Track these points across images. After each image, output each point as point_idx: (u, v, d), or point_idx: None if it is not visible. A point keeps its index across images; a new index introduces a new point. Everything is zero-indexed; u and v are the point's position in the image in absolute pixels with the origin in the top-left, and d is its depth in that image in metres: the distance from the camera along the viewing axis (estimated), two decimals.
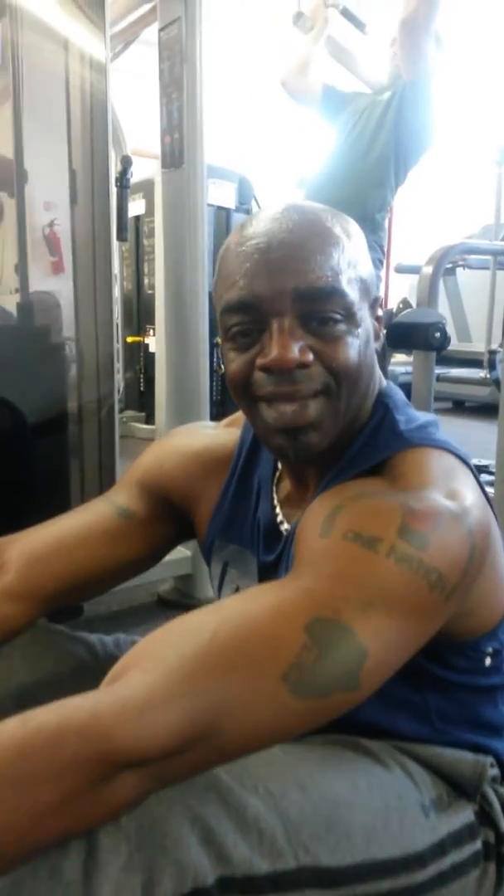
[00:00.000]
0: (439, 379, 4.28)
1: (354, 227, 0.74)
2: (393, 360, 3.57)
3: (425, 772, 0.74)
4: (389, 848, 0.67)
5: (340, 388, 0.69)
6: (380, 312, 0.77)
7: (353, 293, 0.69)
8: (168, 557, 1.78)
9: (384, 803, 0.69)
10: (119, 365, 4.30)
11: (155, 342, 3.73)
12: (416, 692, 0.74)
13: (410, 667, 0.61)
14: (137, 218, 3.97)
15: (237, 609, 0.59)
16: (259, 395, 0.70)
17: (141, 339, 4.15)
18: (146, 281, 4.05)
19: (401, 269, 4.39)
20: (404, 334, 2.11)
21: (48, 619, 1.04)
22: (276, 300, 0.67)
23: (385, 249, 2.67)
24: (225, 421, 0.95)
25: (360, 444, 0.74)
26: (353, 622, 0.56)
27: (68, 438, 1.67)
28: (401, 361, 3.81)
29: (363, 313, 0.71)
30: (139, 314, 4.17)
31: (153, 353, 3.88)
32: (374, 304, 0.75)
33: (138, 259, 4.09)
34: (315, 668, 0.54)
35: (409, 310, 2.22)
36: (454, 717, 0.77)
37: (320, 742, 0.74)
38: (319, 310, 0.68)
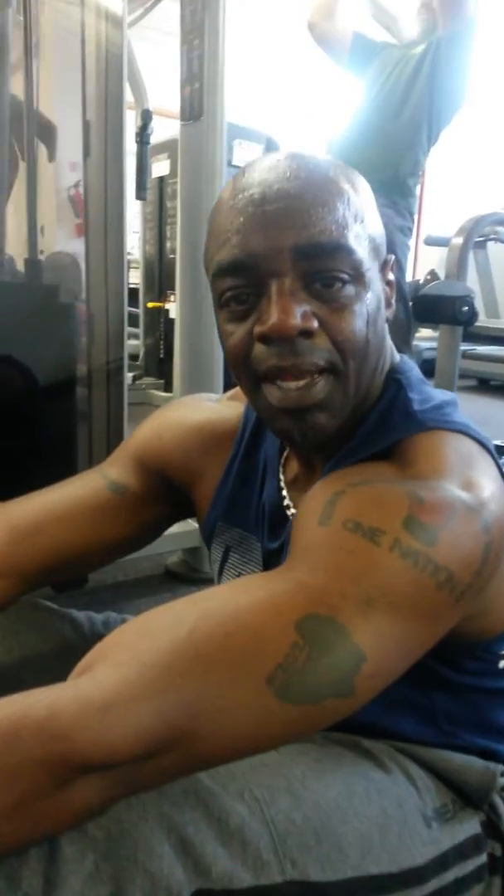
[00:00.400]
0: (465, 356, 4.18)
1: (362, 180, 0.67)
2: (417, 335, 3.48)
3: (429, 777, 0.69)
4: (386, 862, 0.62)
5: (348, 366, 0.62)
6: (391, 276, 0.69)
7: (361, 250, 0.62)
8: (176, 529, 1.79)
9: (382, 812, 0.64)
10: (139, 331, 4.25)
11: (174, 308, 3.67)
12: (421, 692, 0.69)
13: (415, 666, 0.56)
14: (161, 179, 3.87)
15: (221, 601, 0.54)
16: (261, 374, 0.63)
17: (161, 304, 4.08)
18: (168, 245, 3.96)
19: (430, 242, 4.26)
20: (430, 307, 2.03)
21: (52, 588, 1.01)
22: (274, 258, 0.60)
23: (415, 217, 2.57)
24: (229, 393, 0.88)
25: (368, 426, 0.67)
26: (350, 621, 0.50)
27: (76, 403, 1.62)
28: (426, 336, 3.72)
29: (373, 275, 0.64)
30: (160, 279, 4.09)
31: (174, 320, 3.83)
32: (385, 266, 0.68)
33: (161, 222, 4.00)
34: (305, 671, 0.49)
35: (436, 282, 2.14)
36: (462, 720, 0.71)
37: (318, 741, 0.69)
38: (323, 268, 0.60)
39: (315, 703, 0.49)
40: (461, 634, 0.62)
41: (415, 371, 0.71)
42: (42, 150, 1.59)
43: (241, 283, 0.62)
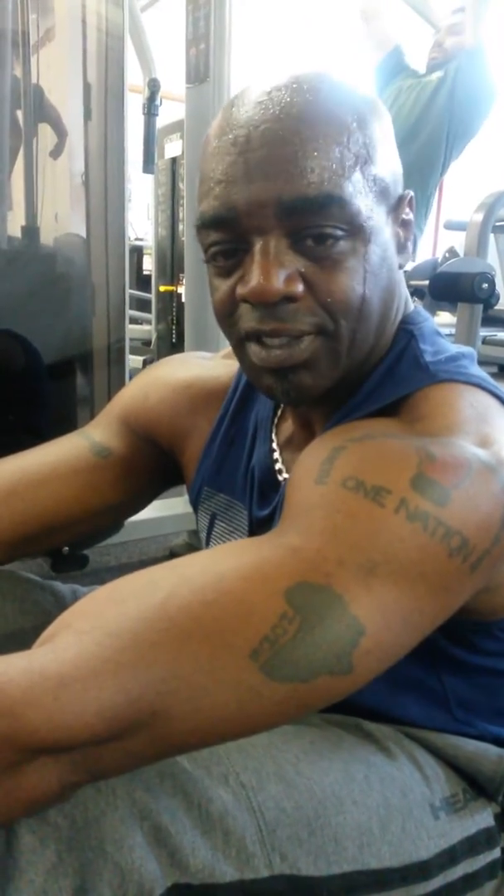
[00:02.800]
0: (485, 342, 4.10)
1: (374, 106, 0.58)
2: (436, 319, 3.41)
3: (438, 764, 0.64)
4: (387, 856, 0.57)
5: (339, 326, 0.56)
6: (407, 215, 0.62)
7: (360, 199, 0.54)
8: (182, 510, 1.74)
9: (384, 801, 0.59)
10: (152, 316, 4.20)
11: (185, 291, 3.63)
12: (431, 673, 0.64)
13: (424, 644, 0.50)
14: (174, 160, 3.81)
15: (202, 567, 0.48)
16: (245, 333, 0.57)
17: (173, 288, 4.02)
18: (181, 227, 3.90)
19: (450, 226, 4.19)
20: (449, 285, 1.97)
21: (52, 568, 0.96)
22: (257, 214, 0.53)
23: (428, 208, 2.57)
24: (223, 351, 0.82)
25: (375, 379, 0.61)
26: (347, 590, 0.44)
27: (76, 384, 1.59)
28: (444, 323, 3.65)
29: (377, 223, 0.56)
30: (173, 262, 4.04)
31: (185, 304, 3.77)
32: (399, 205, 0.60)
33: (174, 204, 3.94)
34: (294, 645, 0.43)
35: (454, 259, 2.08)
36: (477, 706, 0.66)
37: (314, 723, 0.64)
38: (313, 225, 0.53)
39: (306, 680, 0.44)
40: (476, 610, 0.56)
41: (429, 322, 0.65)
42: (49, 132, 1.57)
43: (225, 238, 0.56)
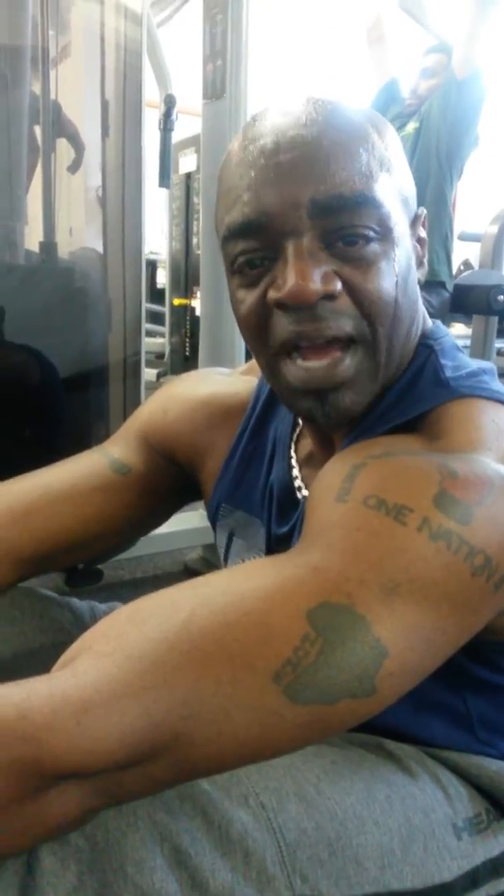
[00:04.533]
0: (500, 353, 4.08)
1: (389, 127, 0.60)
2: (451, 331, 3.41)
3: (461, 784, 0.63)
4: (409, 877, 0.56)
5: (377, 333, 0.56)
6: (422, 233, 0.62)
7: (388, 202, 0.55)
8: (197, 524, 1.74)
9: (406, 821, 0.58)
10: (165, 329, 4.22)
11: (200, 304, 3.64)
12: (454, 694, 0.63)
13: (447, 664, 0.49)
14: (188, 175, 3.84)
15: (223, 587, 0.47)
16: (279, 346, 0.56)
17: (187, 301, 4.04)
18: (195, 241, 3.92)
19: (465, 237, 4.19)
20: (464, 297, 1.97)
21: (66, 582, 0.96)
22: (290, 216, 0.53)
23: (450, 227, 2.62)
24: (242, 367, 0.82)
25: (395, 395, 0.60)
26: (370, 611, 0.44)
27: (92, 398, 1.59)
28: (460, 335, 3.64)
29: (402, 230, 0.57)
30: (187, 276, 4.06)
31: (200, 318, 3.79)
32: (416, 221, 0.61)
33: (188, 217, 3.96)
34: (317, 667, 0.43)
35: (470, 271, 2.07)
36: (500, 726, 0.65)
37: (336, 742, 0.63)
38: (346, 225, 0.53)
39: (329, 703, 0.43)
40: (499, 630, 0.55)
41: (448, 337, 0.64)
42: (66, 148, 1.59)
43: (254, 246, 0.55)
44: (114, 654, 0.43)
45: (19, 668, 0.72)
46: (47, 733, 0.39)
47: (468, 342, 2.09)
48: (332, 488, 0.52)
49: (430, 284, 2.45)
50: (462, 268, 2.36)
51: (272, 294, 0.55)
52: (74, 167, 1.66)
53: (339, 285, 0.54)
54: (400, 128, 2.57)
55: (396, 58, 2.69)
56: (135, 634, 0.44)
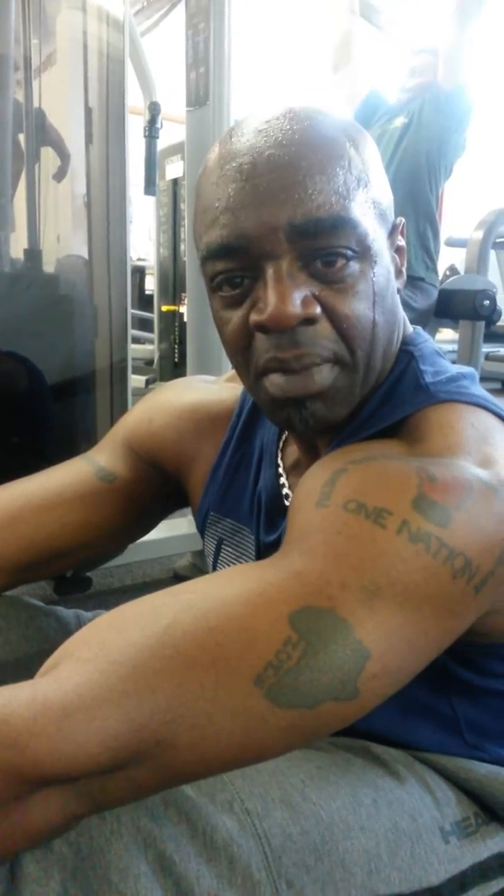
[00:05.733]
0: (488, 358, 4.10)
1: (363, 134, 0.60)
2: (438, 335, 3.41)
3: (450, 788, 0.63)
4: (396, 881, 0.56)
5: (355, 356, 0.56)
6: (401, 242, 0.63)
7: (366, 220, 0.55)
8: (185, 530, 1.74)
9: (393, 825, 0.58)
10: (154, 336, 4.22)
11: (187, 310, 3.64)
12: (441, 698, 0.63)
13: (433, 668, 0.50)
14: (175, 181, 3.85)
15: (205, 592, 0.47)
16: (261, 367, 0.57)
17: (176, 307, 4.04)
18: (182, 248, 3.93)
19: (451, 243, 4.20)
20: (450, 302, 1.97)
21: (54, 590, 0.95)
22: (269, 239, 0.53)
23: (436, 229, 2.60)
24: (226, 374, 0.82)
25: (376, 401, 0.61)
26: (351, 614, 0.44)
27: (79, 404, 1.59)
28: (447, 339, 3.65)
29: (380, 245, 0.57)
30: (175, 282, 4.06)
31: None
32: (394, 231, 0.61)
33: (175, 224, 3.97)
34: (299, 670, 0.43)
35: (455, 276, 2.08)
36: (489, 730, 0.65)
37: (322, 747, 0.63)
38: (325, 246, 0.54)
39: (311, 707, 0.43)
40: (483, 633, 0.55)
41: (429, 342, 0.65)
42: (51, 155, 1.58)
43: (233, 266, 0.55)
44: (96, 660, 0.43)
45: (4, 676, 0.72)
46: (28, 738, 0.39)
47: (455, 347, 2.10)
48: (312, 493, 0.52)
49: (409, 278, 2.45)
50: (448, 273, 2.36)
51: (254, 317, 0.55)
52: (60, 175, 1.66)
53: (318, 309, 0.54)
54: (387, 122, 2.54)
55: (364, 78, 2.64)
56: (117, 640, 0.44)
